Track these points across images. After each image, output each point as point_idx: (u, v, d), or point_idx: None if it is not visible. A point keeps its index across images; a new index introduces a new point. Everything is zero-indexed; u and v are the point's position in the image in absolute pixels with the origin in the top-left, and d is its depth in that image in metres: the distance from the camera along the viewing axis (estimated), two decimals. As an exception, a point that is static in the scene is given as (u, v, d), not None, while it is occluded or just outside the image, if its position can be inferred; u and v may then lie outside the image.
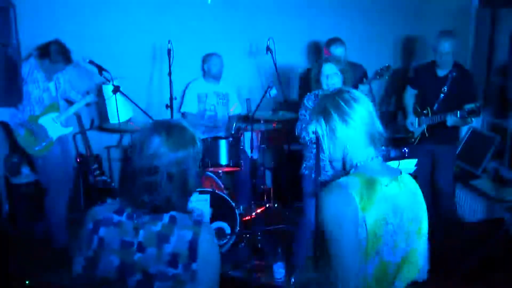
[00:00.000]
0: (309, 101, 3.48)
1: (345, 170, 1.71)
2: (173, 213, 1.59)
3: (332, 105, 1.66)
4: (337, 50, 4.23)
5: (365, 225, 1.56)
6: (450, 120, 3.87)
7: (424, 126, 4.12)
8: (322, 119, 1.68)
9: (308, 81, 3.67)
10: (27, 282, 3.45)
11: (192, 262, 1.53)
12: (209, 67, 4.66)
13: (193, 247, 1.54)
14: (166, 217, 1.58)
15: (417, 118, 4.19)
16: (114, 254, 1.55)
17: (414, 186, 1.74)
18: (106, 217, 1.59)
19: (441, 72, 4.06)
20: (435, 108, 4.04)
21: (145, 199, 1.57)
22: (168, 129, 1.63)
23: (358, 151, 1.66)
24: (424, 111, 4.11)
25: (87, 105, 4.28)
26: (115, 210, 1.60)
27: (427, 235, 1.77)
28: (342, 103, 1.64)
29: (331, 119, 1.65)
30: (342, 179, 1.61)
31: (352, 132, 1.64)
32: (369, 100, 1.70)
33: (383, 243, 1.61)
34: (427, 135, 4.12)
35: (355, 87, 4.13)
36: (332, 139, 1.67)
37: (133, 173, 1.59)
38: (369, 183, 1.60)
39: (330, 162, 1.75)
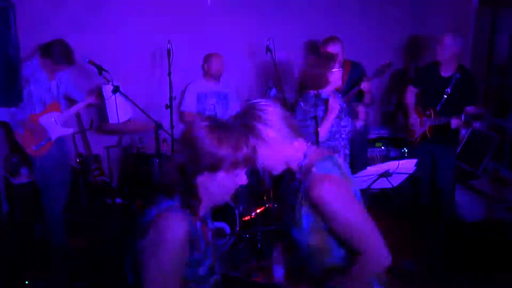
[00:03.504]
0: (306, 102, 3.44)
1: (293, 170, 1.80)
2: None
3: (252, 119, 1.73)
4: (334, 48, 4.20)
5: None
6: (455, 123, 3.85)
7: (425, 127, 4.12)
8: (249, 137, 1.69)
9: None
10: (27, 282, 3.45)
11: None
12: (210, 67, 4.66)
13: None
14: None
15: (419, 119, 4.18)
16: None
17: None
18: None
19: (445, 73, 4.06)
20: (437, 109, 4.04)
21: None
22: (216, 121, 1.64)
23: (292, 146, 1.76)
24: (427, 112, 4.11)
25: (88, 105, 4.27)
26: None
27: None
28: (259, 112, 1.73)
29: (256, 130, 1.71)
30: (326, 169, 1.72)
31: (278, 133, 1.73)
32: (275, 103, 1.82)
33: None
34: (428, 136, 4.11)
35: (354, 86, 4.13)
36: (266, 147, 1.72)
37: None
38: (338, 165, 1.78)
39: (270, 172, 1.81)
